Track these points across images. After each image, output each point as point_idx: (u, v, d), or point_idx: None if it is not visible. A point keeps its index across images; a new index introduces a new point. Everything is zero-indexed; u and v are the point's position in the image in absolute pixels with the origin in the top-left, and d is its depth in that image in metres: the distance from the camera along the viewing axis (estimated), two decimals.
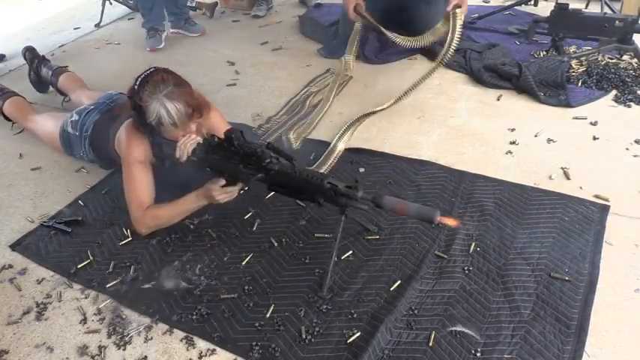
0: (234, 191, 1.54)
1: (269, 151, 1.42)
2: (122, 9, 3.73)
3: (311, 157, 1.92)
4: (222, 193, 1.52)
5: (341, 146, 1.97)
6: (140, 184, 1.59)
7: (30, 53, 2.53)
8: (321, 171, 1.82)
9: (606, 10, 2.78)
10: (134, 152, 1.59)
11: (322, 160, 1.89)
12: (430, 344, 1.24)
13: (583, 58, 2.43)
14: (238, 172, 1.46)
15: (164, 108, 1.46)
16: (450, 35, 2.32)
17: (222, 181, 1.51)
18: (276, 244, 1.57)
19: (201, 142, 1.53)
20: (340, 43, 2.78)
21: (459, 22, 2.31)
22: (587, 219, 1.55)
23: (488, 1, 3.32)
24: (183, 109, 1.49)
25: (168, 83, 1.49)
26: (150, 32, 3.07)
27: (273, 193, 1.64)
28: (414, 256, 1.48)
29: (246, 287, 1.43)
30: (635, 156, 1.83)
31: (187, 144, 1.52)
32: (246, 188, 1.53)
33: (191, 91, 1.54)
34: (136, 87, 1.49)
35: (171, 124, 1.49)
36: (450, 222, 1.29)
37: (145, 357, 1.28)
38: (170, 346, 1.31)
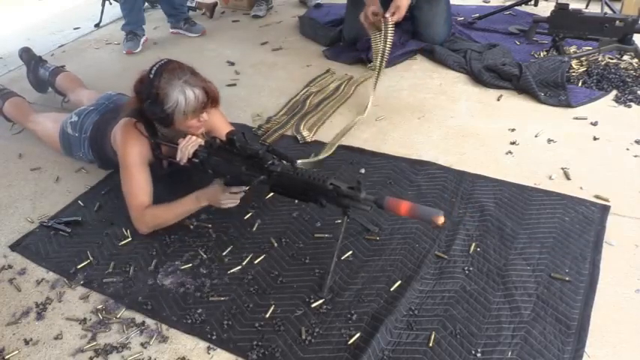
0: (238, 196, 1.54)
1: (271, 152, 1.42)
2: None
3: (310, 157, 1.92)
4: (229, 198, 1.53)
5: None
6: (138, 183, 1.59)
7: (26, 54, 2.52)
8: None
9: (606, 10, 2.78)
10: (131, 152, 1.59)
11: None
12: (430, 345, 1.24)
13: (583, 58, 2.43)
14: (240, 174, 1.46)
15: (183, 94, 1.47)
16: (382, 44, 2.27)
17: (232, 188, 1.51)
18: (276, 244, 1.56)
19: (202, 144, 1.53)
20: (346, 46, 2.78)
21: (390, 29, 2.26)
22: (587, 219, 1.55)
23: (489, 1, 3.32)
24: (201, 96, 1.50)
25: (186, 71, 1.50)
26: (129, 35, 3.07)
27: (273, 193, 1.64)
28: (414, 256, 1.48)
29: (247, 288, 1.43)
30: (635, 156, 1.82)
31: (189, 146, 1.52)
32: (247, 188, 1.53)
33: (205, 79, 1.56)
34: (151, 76, 1.49)
35: (190, 112, 1.50)
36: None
37: (145, 357, 1.28)
38: (170, 346, 1.31)
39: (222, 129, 1.65)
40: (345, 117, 2.20)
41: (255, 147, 1.42)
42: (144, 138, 1.60)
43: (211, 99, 1.55)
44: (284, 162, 1.43)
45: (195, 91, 1.49)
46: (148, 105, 1.52)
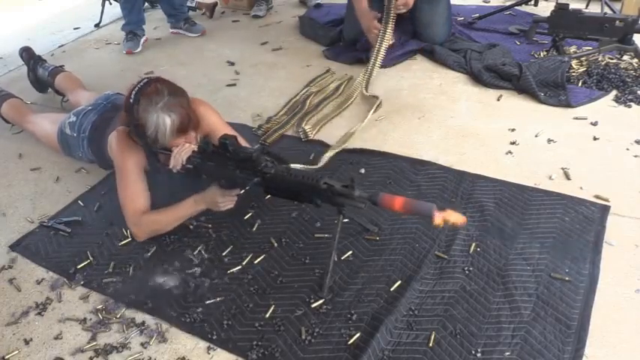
0: (235, 198, 1.54)
1: (264, 155, 1.42)
2: None
3: (310, 158, 1.92)
4: (226, 201, 1.53)
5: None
6: (135, 190, 1.59)
7: (26, 53, 2.52)
8: None
9: (606, 10, 2.78)
10: (127, 160, 1.59)
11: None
12: (430, 345, 1.24)
13: (583, 58, 2.43)
14: (235, 177, 1.46)
15: (161, 120, 1.46)
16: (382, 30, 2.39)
17: (230, 192, 1.51)
18: (276, 244, 1.56)
19: (195, 149, 1.53)
20: (346, 46, 2.78)
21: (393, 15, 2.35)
22: (587, 219, 1.55)
23: (489, 1, 3.32)
24: (178, 121, 1.48)
25: (163, 95, 1.48)
26: (128, 35, 3.07)
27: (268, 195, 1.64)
28: (414, 256, 1.48)
29: (246, 287, 1.43)
30: (635, 156, 1.82)
31: (182, 153, 1.52)
32: (243, 191, 1.53)
33: (186, 100, 1.54)
34: (131, 101, 1.49)
35: (168, 136, 1.48)
36: (450, 217, 1.20)
37: (145, 357, 1.28)
38: (170, 346, 1.31)
39: (220, 131, 1.64)
40: (345, 117, 2.20)
41: (248, 150, 1.43)
42: (139, 146, 1.59)
43: (191, 121, 1.53)
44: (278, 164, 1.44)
45: (172, 116, 1.47)
46: (133, 129, 1.53)
